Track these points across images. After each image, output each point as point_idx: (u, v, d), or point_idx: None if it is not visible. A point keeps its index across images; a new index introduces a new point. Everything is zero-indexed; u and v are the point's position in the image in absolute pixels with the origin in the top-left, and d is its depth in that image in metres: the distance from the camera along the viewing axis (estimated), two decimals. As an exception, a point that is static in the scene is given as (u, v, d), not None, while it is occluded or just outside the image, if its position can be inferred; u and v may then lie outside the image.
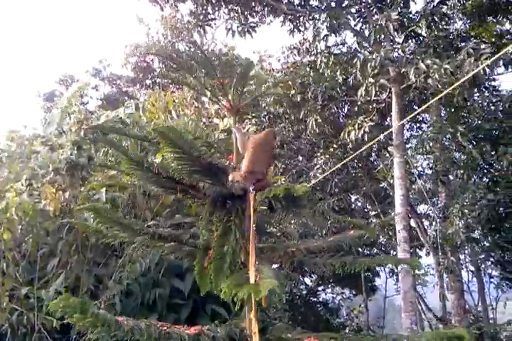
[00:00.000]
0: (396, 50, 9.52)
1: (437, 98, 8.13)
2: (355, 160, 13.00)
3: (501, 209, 10.56)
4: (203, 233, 2.56)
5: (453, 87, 7.39)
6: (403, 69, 8.72)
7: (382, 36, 9.64)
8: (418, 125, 13.52)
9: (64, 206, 5.00)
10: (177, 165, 2.47)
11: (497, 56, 7.63)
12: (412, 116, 10.13)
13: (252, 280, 2.24)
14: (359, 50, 10.44)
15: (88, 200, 4.75)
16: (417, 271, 14.47)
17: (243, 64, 2.91)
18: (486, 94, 10.76)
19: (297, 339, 2.46)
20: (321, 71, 10.65)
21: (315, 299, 13.63)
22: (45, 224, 4.94)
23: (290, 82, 11.21)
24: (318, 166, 10.63)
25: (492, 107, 10.39)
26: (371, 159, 13.55)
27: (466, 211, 9.16)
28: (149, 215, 4.92)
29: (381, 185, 13.07)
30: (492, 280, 15.24)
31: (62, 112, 6.29)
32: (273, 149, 2.75)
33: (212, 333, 2.49)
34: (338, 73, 10.32)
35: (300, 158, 12.53)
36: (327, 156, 10.86)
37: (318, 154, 11.13)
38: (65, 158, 5.00)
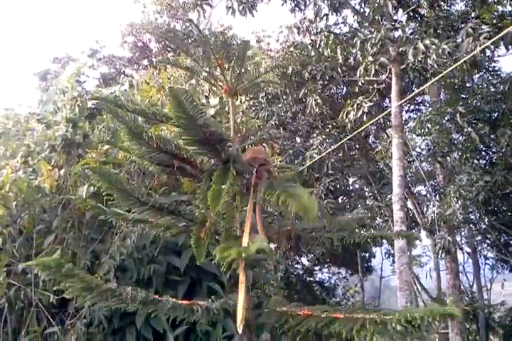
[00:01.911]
0: (396, 29, 9.43)
1: (437, 78, 8.10)
2: (353, 142, 13.00)
3: (498, 191, 10.61)
4: (200, 207, 2.55)
5: (453, 67, 7.34)
6: (402, 49, 8.64)
7: (383, 16, 9.53)
8: (417, 107, 13.49)
9: (60, 183, 5.00)
10: (178, 133, 2.45)
11: (497, 37, 7.56)
12: (412, 96, 10.10)
13: (244, 245, 2.26)
14: (359, 29, 10.33)
15: (83, 177, 4.75)
16: (413, 252, 14.63)
17: (240, 44, 2.86)
18: (486, 75, 10.69)
19: (291, 312, 2.48)
20: (320, 51, 10.56)
21: (311, 278, 13.77)
22: (41, 200, 4.94)
23: (290, 62, 11.15)
24: (314, 147, 10.60)
25: (492, 89, 10.34)
26: (369, 140, 13.55)
27: (463, 192, 9.19)
28: (145, 193, 4.91)
29: (378, 167, 13.10)
30: (487, 261, 15.43)
31: (58, 91, 6.25)
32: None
33: (207, 304, 2.50)
34: (338, 53, 10.23)
35: (297, 139, 12.50)
36: (323, 137, 10.83)
37: (315, 135, 11.09)
38: (60, 135, 4.97)
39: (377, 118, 9.41)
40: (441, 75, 7.52)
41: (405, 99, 10.00)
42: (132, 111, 2.82)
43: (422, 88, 8.78)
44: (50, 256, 4.33)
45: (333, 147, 10.34)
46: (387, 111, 9.61)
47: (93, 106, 5.30)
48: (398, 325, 2.05)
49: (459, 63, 7.37)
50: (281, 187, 2.28)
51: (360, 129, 9.60)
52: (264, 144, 3.38)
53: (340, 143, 9.97)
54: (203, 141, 2.43)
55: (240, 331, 2.18)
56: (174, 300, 2.41)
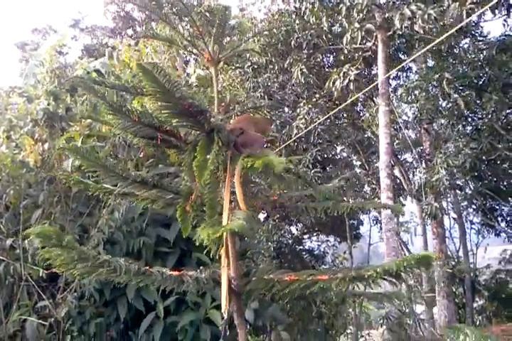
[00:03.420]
0: (383, -6, 9.26)
1: (429, 47, 7.97)
2: (340, 111, 12.95)
3: (484, 157, 10.70)
4: (185, 179, 2.54)
5: (445, 36, 7.20)
6: (388, 15, 8.51)
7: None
8: (405, 74, 13.38)
9: (44, 157, 4.94)
10: (158, 107, 2.42)
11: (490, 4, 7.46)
12: (401, 65, 10.00)
13: (224, 223, 2.27)
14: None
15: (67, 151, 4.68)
16: (400, 219, 14.83)
17: (220, 10, 2.79)
18: (473, 41, 10.60)
19: (278, 278, 2.51)
20: (306, 18, 10.37)
21: (300, 247, 13.93)
22: (26, 175, 4.90)
23: (275, 31, 10.94)
24: (300, 116, 10.53)
25: (480, 55, 10.26)
26: (357, 109, 13.49)
27: (450, 161, 9.26)
28: (131, 165, 4.89)
29: (366, 135, 13.10)
30: (473, 226, 15.72)
31: (38, 63, 6.09)
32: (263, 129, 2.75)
33: (196, 275, 2.53)
34: (323, 20, 10.05)
35: (285, 109, 12.41)
36: (309, 106, 10.75)
37: (302, 104, 11.01)
38: (42, 108, 4.88)
39: (367, 89, 9.34)
40: (436, 41, 7.34)
41: (394, 70, 9.93)
42: (111, 86, 2.78)
43: (413, 57, 8.67)
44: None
45: (321, 118, 10.28)
46: (375, 83, 9.53)
47: (74, 78, 5.19)
48: (378, 277, 2.10)
49: (453, 30, 7.23)
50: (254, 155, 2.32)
51: (350, 100, 9.55)
52: (250, 114, 3.35)
53: (329, 114, 9.91)
54: (184, 113, 2.40)
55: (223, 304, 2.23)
56: (164, 270, 2.43)
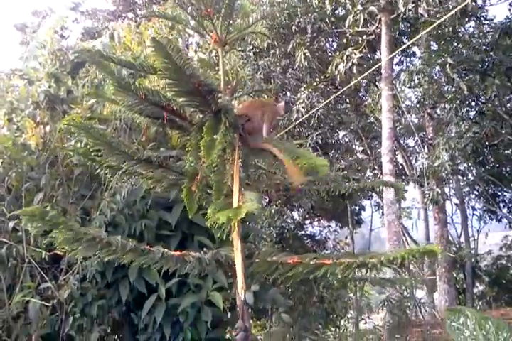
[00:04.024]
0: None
1: (430, 28, 7.89)
2: (343, 95, 12.87)
3: (486, 142, 10.66)
4: (190, 160, 2.52)
5: (448, 16, 7.12)
6: (392, -3, 8.42)
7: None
8: (408, 59, 13.28)
9: (46, 140, 4.93)
10: (167, 84, 2.39)
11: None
12: (404, 47, 9.90)
13: (235, 205, 2.26)
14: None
15: (69, 133, 4.67)
16: (402, 204, 14.85)
17: None
18: (477, 24, 10.48)
19: (281, 261, 2.51)
20: (308, 1, 10.25)
21: (302, 232, 13.98)
22: (28, 158, 4.88)
23: (277, 14, 10.80)
24: (301, 100, 10.46)
25: (485, 39, 10.15)
26: (359, 94, 13.41)
27: (451, 144, 9.22)
28: (130, 149, 4.86)
29: (368, 121, 13.05)
30: (475, 212, 15.73)
31: (39, 45, 6.04)
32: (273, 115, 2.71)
33: (199, 255, 2.53)
34: (327, 3, 9.94)
35: (286, 93, 12.34)
36: (310, 90, 10.67)
37: (302, 89, 10.94)
38: (43, 91, 4.85)
39: (369, 71, 9.26)
40: (438, 22, 7.27)
41: (398, 51, 9.82)
42: (118, 62, 2.74)
43: (416, 37, 8.55)
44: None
45: (323, 102, 10.22)
46: (378, 65, 9.45)
47: (76, 60, 5.14)
48: (382, 265, 2.10)
49: (455, 10, 7.16)
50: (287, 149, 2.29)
51: (353, 83, 9.47)
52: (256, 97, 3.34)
53: (330, 98, 9.85)
54: (193, 92, 2.37)
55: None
56: (166, 250, 2.43)
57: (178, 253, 2.50)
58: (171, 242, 4.71)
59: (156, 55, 2.17)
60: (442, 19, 7.35)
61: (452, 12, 7.27)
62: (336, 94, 10.00)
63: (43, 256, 4.42)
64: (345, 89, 9.71)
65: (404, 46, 10.19)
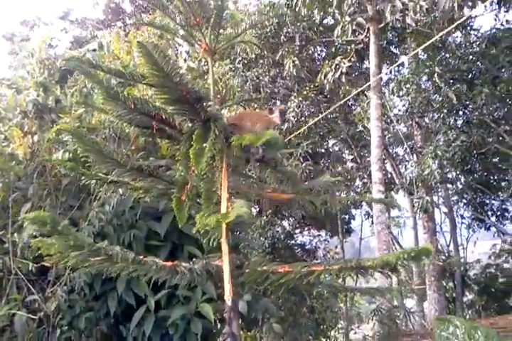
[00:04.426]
0: (374, -13, 9.23)
1: (431, 41, 7.95)
2: (333, 104, 12.93)
3: (474, 151, 10.75)
4: (180, 169, 2.50)
5: (445, 32, 7.19)
6: (380, 7, 8.50)
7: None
8: (396, 68, 13.39)
9: (34, 150, 4.87)
10: (156, 92, 2.37)
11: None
12: (395, 65, 9.97)
13: (223, 211, 2.25)
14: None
15: (57, 143, 4.62)
16: (392, 213, 14.89)
17: (217, 3, 2.76)
18: (463, 33, 10.63)
19: (272, 270, 2.49)
20: (297, 10, 10.32)
21: (293, 241, 13.96)
22: (15, 168, 4.82)
23: (266, 23, 10.85)
24: (291, 109, 10.50)
25: (475, 49, 10.27)
26: (348, 103, 13.47)
27: (439, 152, 9.28)
28: (122, 158, 4.82)
29: (357, 129, 13.10)
30: (464, 220, 15.81)
31: (27, 54, 5.99)
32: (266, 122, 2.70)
33: (190, 266, 2.50)
34: (315, 12, 10.01)
35: (276, 103, 12.37)
36: (300, 99, 10.72)
37: (293, 97, 10.98)
38: (31, 100, 4.80)
39: (362, 88, 9.33)
40: (438, 36, 7.34)
41: (394, 65, 9.90)
42: (108, 71, 2.72)
43: (419, 48, 8.58)
44: (27, 224, 4.26)
45: (312, 111, 10.27)
46: (368, 83, 9.50)
47: (64, 69, 5.11)
48: (375, 269, 2.09)
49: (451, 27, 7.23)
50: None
51: (346, 98, 9.53)
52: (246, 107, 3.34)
53: (325, 113, 9.88)
54: (181, 100, 2.36)
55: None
56: (159, 261, 2.41)
57: (170, 263, 2.48)
58: (160, 253, 4.66)
59: (143, 61, 2.15)
60: (440, 34, 7.40)
61: (450, 28, 7.35)
62: (335, 106, 10.04)
63: (29, 268, 4.35)
64: (338, 105, 9.77)
65: (395, 65, 10.29)
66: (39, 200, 4.78)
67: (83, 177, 2.76)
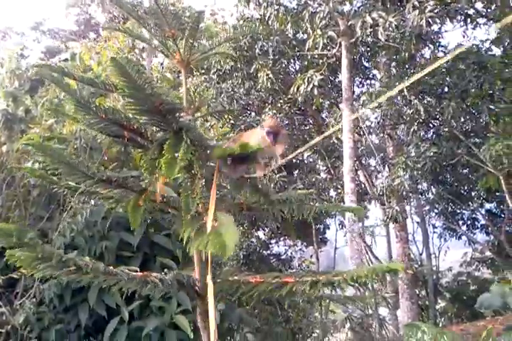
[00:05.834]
0: (345, 3, 9.44)
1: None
2: (306, 117, 13.12)
3: (445, 162, 10.98)
4: (145, 175, 2.51)
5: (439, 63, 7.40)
6: (351, 22, 8.70)
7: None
8: (368, 81, 13.64)
9: (2, 160, 4.81)
10: (127, 103, 2.38)
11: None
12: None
13: (209, 228, 2.20)
14: (308, 2, 10.28)
15: (26, 153, 4.59)
16: (366, 223, 15.06)
17: (194, 14, 2.81)
18: (431, 48, 10.91)
19: (243, 280, 2.50)
20: (270, 23, 10.48)
21: (268, 252, 13.97)
22: (-17, 179, 4.76)
23: (241, 37, 10.97)
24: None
25: (443, 64, 10.53)
26: (322, 115, 13.66)
27: (409, 163, 9.46)
28: (94, 169, 4.80)
29: (331, 141, 13.26)
30: (435, 230, 16.08)
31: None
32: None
33: (160, 276, 2.50)
34: (288, 27, 10.18)
35: (251, 114, 12.46)
36: (274, 111, 10.83)
37: (267, 110, 11.09)
38: (0, 110, 4.76)
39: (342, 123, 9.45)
40: (434, 66, 7.54)
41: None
42: (80, 79, 2.72)
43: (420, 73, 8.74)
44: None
45: (285, 122, 10.36)
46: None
47: (35, 79, 5.08)
48: (346, 283, 2.13)
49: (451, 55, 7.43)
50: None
51: (334, 130, 9.61)
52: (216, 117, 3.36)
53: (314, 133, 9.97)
54: (153, 111, 2.37)
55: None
56: (129, 271, 2.40)
57: (140, 274, 2.47)
58: (131, 264, 4.63)
59: (116, 74, 2.17)
60: (439, 62, 7.59)
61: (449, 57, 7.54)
62: (333, 131, 10.03)
63: (-3, 280, 4.27)
64: (330, 133, 9.81)
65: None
66: (7, 211, 4.72)
67: (54, 186, 2.74)
